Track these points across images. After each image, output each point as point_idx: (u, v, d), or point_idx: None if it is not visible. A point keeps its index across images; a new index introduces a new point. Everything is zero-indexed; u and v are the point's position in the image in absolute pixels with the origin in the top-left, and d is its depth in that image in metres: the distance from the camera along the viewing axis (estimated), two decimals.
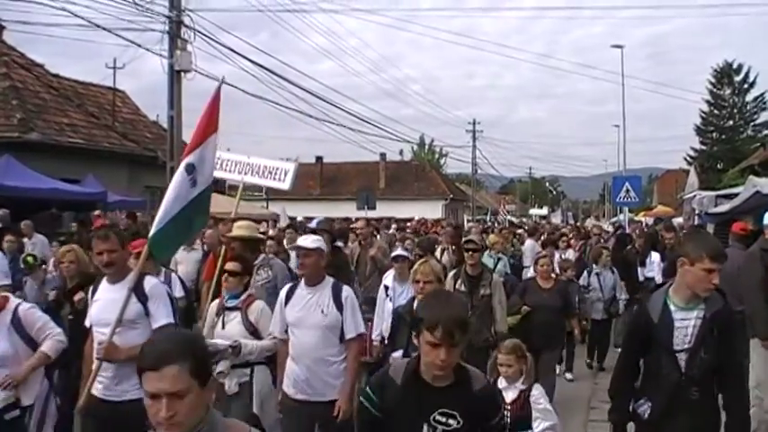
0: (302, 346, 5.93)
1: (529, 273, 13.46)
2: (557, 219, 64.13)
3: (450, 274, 8.38)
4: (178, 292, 8.55)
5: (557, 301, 9.48)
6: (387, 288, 8.54)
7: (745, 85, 52.75)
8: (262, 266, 8.23)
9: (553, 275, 10.08)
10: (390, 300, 8.31)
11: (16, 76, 22.96)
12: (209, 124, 7.26)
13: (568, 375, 11.72)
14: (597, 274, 12.31)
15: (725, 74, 53.11)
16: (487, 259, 12.09)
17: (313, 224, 12.81)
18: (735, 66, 53.06)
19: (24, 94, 22.16)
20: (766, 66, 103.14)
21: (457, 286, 8.08)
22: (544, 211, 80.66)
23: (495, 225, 34.06)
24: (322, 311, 5.91)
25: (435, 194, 54.78)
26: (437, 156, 79.37)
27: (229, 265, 6.87)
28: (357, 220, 23.68)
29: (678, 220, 23.73)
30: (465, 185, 70.42)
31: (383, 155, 54.86)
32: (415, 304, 5.69)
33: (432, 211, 47.83)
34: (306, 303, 5.99)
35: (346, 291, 6.09)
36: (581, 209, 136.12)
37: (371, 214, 30.70)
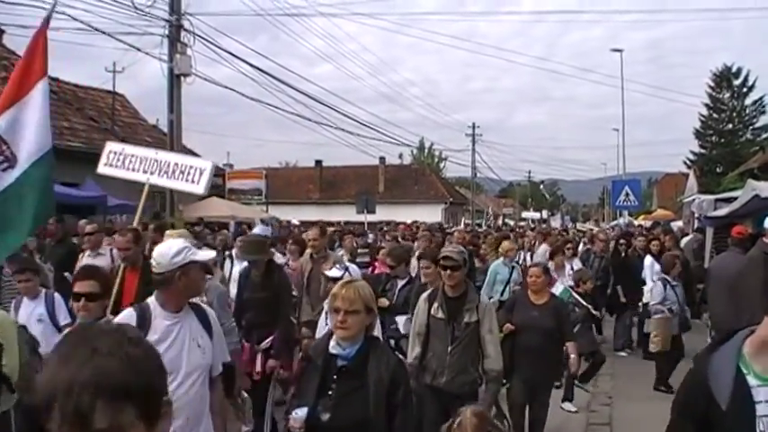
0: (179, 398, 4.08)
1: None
2: (556, 222, 64.17)
3: (424, 295, 6.61)
4: (63, 317, 6.86)
5: (548, 321, 7.53)
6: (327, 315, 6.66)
7: (745, 89, 52.87)
8: None
9: (548, 290, 8.05)
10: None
11: None
12: (29, 74, 5.44)
13: (568, 406, 9.86)
14: (674, 286, 10.84)
15: (724, 77, 53.23)
16: (501, 267, 11.86)
17: (257, 229, 10.90)
18: (734, 69, 53.22)
19: None
20: (765, 69, 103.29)
21: (433, 312, 6.29)
22: (538, 214, 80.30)
23: (488, 228, 33.96)
24: (198, 345, 4.38)
25: (435, 198, 54.76)
26: (437, 159, 79.42)
27: (81, 286, 5.09)
28: (303, 227, 22.27)
29: (678, 224, 23.75)
30: (464, 189, 70.38)
31: (383, 158, 54.94)
32: (330, 344, 4.15)
33: (431, 214, 47.74)
34: (173, 338, 4.30)
35: (209, 312, 4.67)
36: (580, 212, 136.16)
37: (371, 218, 30.76)
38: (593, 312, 10.60)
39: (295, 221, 29.20)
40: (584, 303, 10.13)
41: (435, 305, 6.33)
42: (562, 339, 7.69)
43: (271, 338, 7.75)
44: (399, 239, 17.08)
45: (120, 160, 8.35)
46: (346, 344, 4.10)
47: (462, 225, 35.62)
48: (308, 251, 9.52)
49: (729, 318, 8.50)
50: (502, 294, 11.37)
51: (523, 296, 7.99)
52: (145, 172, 8.31)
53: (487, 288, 11.62)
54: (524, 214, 77.51)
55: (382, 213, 34.53)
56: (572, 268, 12.40)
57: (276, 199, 42.79)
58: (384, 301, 8.04)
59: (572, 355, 7.82)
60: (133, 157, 8.48)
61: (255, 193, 37.48)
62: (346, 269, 6.64)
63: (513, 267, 11.96)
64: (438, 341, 6.25)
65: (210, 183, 8.25)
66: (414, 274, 9.38)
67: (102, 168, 8.66)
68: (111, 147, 8.83)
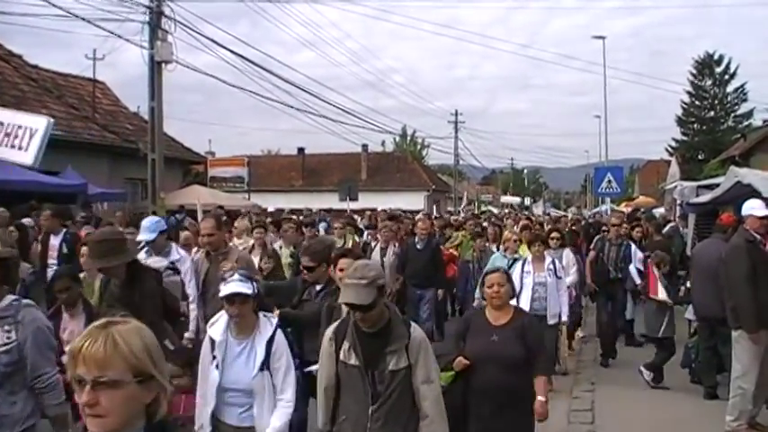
0: None
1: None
2: (538, 209, 64.29)
3: (330, 330, 4.57)
4: None
5: (514, 348, 5.53)
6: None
7: (726, 77, 53.21)
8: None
9: (513, 303, 6.09)
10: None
11: None
12: None
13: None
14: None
15: (706, 65, 53.54)
16: (501, 260, 10.51)
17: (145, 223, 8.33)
18: (716, 57, 53.50)
19: (2, 86, 21.90)
20: (747, 56, 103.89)
21: (342, 356, 4.40)
22: (518, 199, 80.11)
23: (461, 216, 33.73)
24: None
25: (417, 185, 54.67)
26: (419, 147, 79.32)
27: None
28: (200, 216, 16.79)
29: (660, 211, 23.85)
30: (447, 176, 70.42)
31: (365, 146, 54.77)
32: None
33: (414, 202, 47.74)
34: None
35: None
36: (563, 199, 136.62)
37: (354, 206, 30.73)
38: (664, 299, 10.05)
39: (270, 208, 28.79)
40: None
41: (346, 346, 4.38)
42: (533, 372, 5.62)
43: None
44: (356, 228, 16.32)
45: None
46: None
47: (435, 212, 35.25)
48: (200, 248, 8.15)
49: (712, 304, 8.55)
50: None
51: (480, 316, 5.85)
52: None
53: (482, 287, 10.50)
54: (503, 199, 77.29)
55: (365, 201, 34.47)
56: (553, 261, 9.98)
57: (258, 187, 42.65)
58: (289, 312, 6.46)
59: (539, 397, 5.61)
60: None
61: (237, 180, 37.31)
62: (251, 280, 4.87)
63: (514, 260, 10.37)
64: (352, 400, 4.40)
65: (44, 147, 6.12)
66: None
67: None
68: None
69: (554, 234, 11.89)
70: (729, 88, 53.24)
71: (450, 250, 14.76)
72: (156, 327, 3.79)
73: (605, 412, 8.80)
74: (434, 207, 41.91)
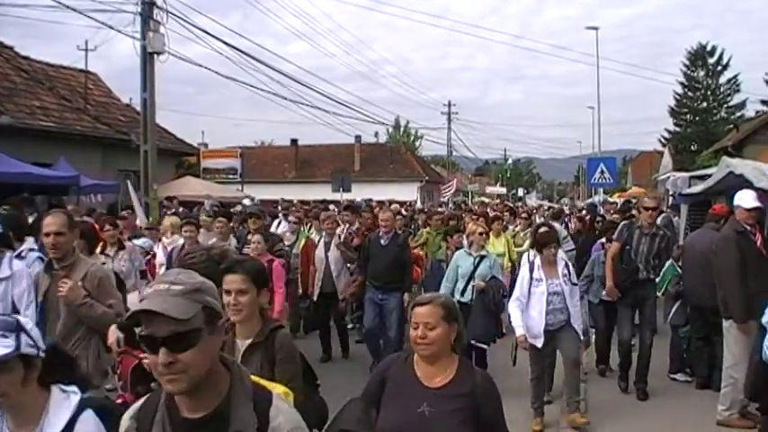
0: None
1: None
2: (532, 200, 64.40)
3: (128, 415, 2.46)
4: None
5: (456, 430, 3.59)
6: None
7: (719, 68, 53.21)
8: None
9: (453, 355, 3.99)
10: None
11: None
12: None
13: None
14: None
15: (699, 56, 53.52)
16: (465, 258, 9.42)
17: None
18: (709, 48, 53.52)
19: None
20: (739, 48, 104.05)
21: None
22: (504, 189, 79.45)
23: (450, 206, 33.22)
24: None
25: (411, 176, 54.69)
26: (412, 138, 79.28)
27: None
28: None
29: None
30: (440, 167, 70.45)
31: (358, 137, 54.78)
32: None
33: (407, 193, 47.76)
34: None
35: None
36: (556, 190, 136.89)
37: (347, 196, 30.71)
38: None
39: (254, 200, 27.61)
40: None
41: None
42: None
43: None
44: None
45: None
46: None
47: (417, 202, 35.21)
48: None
49: (704, 294, 8.58)
50: (463, 294, 9.24)
51: (404, 369, 3.78)
52: None
53: (447, 284, 9.42)
54: (489, 189, 76.49)
55: (358, 192, 34.46)
56: (567, 265, 8.31)
57: (252, 178, 42.60)
58: None
59: None
60: None
61: (231, 172, 37.25)
62: (17, 331, 2.71)
63: (481, 258, 9.34)
64: None
65: None
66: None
67: None
68: None
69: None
70: (722, 79, 53.29)
71: (416, 250, 12.73)
72: None
73: (598, 402, 8.80)
74: (425, 197, 41.83)
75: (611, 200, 31.07)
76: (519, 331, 7.86)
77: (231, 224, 12.07)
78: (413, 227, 15.80)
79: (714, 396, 8.13)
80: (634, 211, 14.93)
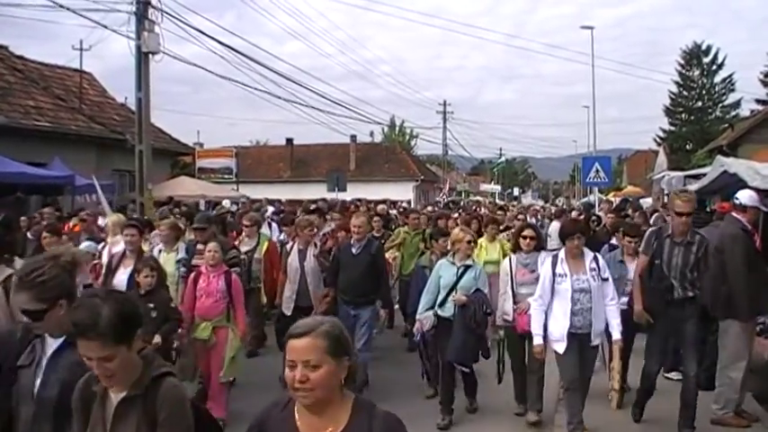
0: None
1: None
2: (527, 200, 64.43)
3: None
4: None
5: None
6: None
7: (714, 67, 53.44)
8: None
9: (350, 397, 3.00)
10: None
11: None
12: None
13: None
14: None
15: (694, 55, 53.73)
16: (448, 268, 8.25)
17: None
18: (704, 47, 53.73)
19: None
20: (734, 47, 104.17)
21: None
22: (498, 188, 79.03)
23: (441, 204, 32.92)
24: None
25: (406, 176, 54.65)
26: (408, 137, 79.25)
27: None
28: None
29: (647, 201, 23.94)
30: (436, 167, 70.42)
31: (354, 137, 54.72)
32: None
33: (403, 192, 47.79)
34: None
35: None
36: (551, 189, 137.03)
37: (342, 196, 30.69)
38: None
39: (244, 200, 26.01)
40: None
41: None
42: None
43: None
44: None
45: None
46: None
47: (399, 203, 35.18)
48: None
49: (702, 293, 8.56)
50: (443, 307, 8.14)
51: (284, 418, 2.86)
52: None
53: (428, 296, 8.28)
54: (483, 187, 76.18)
55: (353, 191, 34.46)
56: (596, 258, 7.41)
57: (247, 178, 42.58)
58: None
59: None
60: None
61: (226, 171, 37.30)
62: None
63: (465, 267, 8.16)
64: None
65: None
66: None
67: None
68: None
69: (527, 232, 8.36)
70: (717, 78, 53.53)
71: (389, 253, 11.93)
72: None
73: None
74: (420, 196, 41.82)
75: (608, 198, 31.14)
76: (536, 340, 7.20)
77: (185, 228, 11.08)
78: (393, 227, 14.70)
79: (708, 395, 8.12)
80: (663, 217, 13.90)
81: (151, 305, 7.09)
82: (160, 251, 9.19)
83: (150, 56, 19.04)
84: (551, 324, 7.15)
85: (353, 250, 9.29)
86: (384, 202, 30.41)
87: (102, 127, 24.52)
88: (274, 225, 14.93)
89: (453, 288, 8.06)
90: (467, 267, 8.12)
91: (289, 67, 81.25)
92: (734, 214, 8.01)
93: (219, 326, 8.04)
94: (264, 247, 11.07)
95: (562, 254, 7.25)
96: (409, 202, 39.68)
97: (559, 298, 7.09)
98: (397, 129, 78.48)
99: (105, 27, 18.89)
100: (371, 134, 66.51)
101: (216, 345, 8.03)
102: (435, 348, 8.39)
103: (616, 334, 7.24)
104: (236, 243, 11.26)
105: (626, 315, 7.70)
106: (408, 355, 10.68)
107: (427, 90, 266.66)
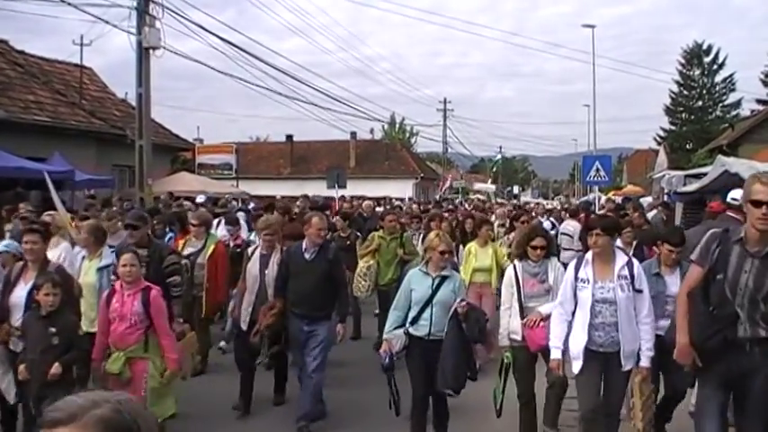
0: None
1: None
2: (527, 197, 64.37)
3: None
4: None
5: None
6: None
7: (715, 66, 53.45)
8: None
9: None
10: None
11: None
12: None
13: None
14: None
15: (694, 55, 53.72)
16: (421, 279, 6.74)
17: None
18: (704, 47, 53.72)
19: None
20: (735, 47, 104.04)
21: None
22: (493, 186, 77.71)
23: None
24: None
25: (406, 173, 54.63)
26: (408, 134, 79.19)
27: None
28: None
29: (647, 200, 23.91)
30: (436, 164, 70.35)
31: (354, 133, 54.69)
32: None
33: (402, 189, 47.75)
34: None
35: None
36: (551, 188, 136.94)
37: (342, 193, 30.66)
38: None
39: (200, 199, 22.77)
40: None
41: None
42: None
43: None
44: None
45: None
46: None
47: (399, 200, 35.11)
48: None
49: None
50: (414, 322, 6.66)
51: None
52: None
53: (397, 313, 6.82)
54: (477, 186, 75.56)
55: (353, 188, 34.42)
56: (629, 263, 6.03)
57: (247, 174, 42.56)
58: None
59: None
60: None
61: (226, 167, 37.37)
62: None
63: (442, 278, 6.67)
64: None
65: None
66: None
67: None
68: None
69: (537, 242, 6.97)
70: (718, 78, 53.57)
71: (363, 261, 10.94)
72: None
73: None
74: (420, 193, 41.75)
75: (610, 197, 31.11)
76: (554, 354, 6.09)
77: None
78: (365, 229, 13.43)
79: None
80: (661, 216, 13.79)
81: (53, 329, 6.02)
82: (83, 258, 7.81)
83: (151, 51, 19.06)
84: (570, 338, 6.01)
85: (306, 256, 7.75)
86: (384, 199, 30.49)
87: (103, 122, 24.49)
88: (243, 223, 13.50)
89: (429, 303, 6.56)
90: (443, 278, 6.65)
91: (289, 64, 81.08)
92: (729, 213, 8.00)
93: (134, 357, 6.36)
94: (210, 251, 9.68)
95: (589, 255, 6.06)
96: (410, 199, 39.60)
97: (579, 307, 5.92)
98: (398, 126, 78.46)
99: (106, 22, 18.91)
100: (371, 131, 66.48)
101: (132, 380, 6.29)
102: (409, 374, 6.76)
103: (644, 360, 5.91)
104: (182, 244, 10.05)
105: (659, 345, 6.01)
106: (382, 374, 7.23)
107: (427, 87, 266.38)
